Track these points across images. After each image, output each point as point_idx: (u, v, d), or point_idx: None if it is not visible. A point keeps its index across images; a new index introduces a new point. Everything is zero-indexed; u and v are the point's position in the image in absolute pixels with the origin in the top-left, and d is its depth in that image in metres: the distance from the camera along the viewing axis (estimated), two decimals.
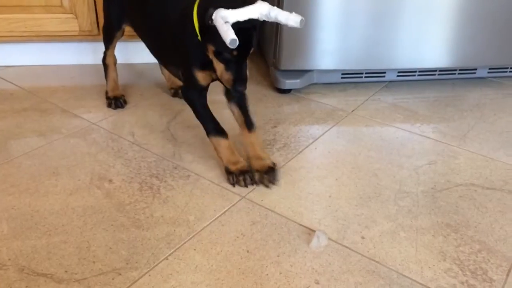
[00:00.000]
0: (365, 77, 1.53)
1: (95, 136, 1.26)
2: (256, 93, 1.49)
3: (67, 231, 0.95)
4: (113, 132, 1.28)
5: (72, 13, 1.49)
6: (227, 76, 0.99)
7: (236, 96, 1.12)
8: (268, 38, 1.55)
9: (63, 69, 1.60)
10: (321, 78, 1.52)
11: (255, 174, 1.09)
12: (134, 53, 1.65)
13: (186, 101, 1.14)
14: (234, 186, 1.08)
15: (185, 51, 1.07)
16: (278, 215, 1.00)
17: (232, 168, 1.09)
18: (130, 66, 1.65)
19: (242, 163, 1.10)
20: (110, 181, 1.10)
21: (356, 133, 1.31)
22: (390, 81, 1.57)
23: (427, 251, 0.91)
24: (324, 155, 1.21)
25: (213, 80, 1.09)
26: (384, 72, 1.53)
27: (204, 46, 1.00)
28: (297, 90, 1.51)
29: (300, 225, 0.97)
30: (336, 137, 1.29)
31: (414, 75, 1.54)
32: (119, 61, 1.45)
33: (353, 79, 1.53)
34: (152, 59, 1.31)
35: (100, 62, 1.43)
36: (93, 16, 1.50)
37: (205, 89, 1.11)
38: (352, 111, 1.42)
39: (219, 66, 0.99)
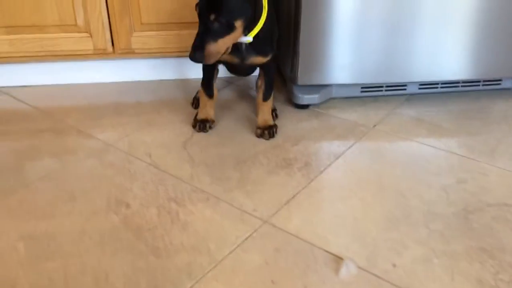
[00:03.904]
0: (386, 90, 1.48)
1: (111, 158, 1.24)
2: None
3: (85, 260, 0.92)
4: (130, 153, 1.25)
5: (86, 32, 1.47)
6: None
7: (266, 72, 1.28)
8: (284, 52, 1.51)
9: (78, 89, 1.59)
10: (340, 92, 1.48)
11: (257, 130, 1.30)
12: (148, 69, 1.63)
13: None
14: (194, 127, 1.33)
15: None
16: (303, 241, 0.96)
17: (198, 116, 1.33)
18: (139, 83, 1.63)
19: (206, 115, 1.32)
20: (128, 205, 1.06)
21: (379, 150, 1.26)
22: (411, 94, 1.52)
23: (463, 279, 0.86)
24: (347, 174, 1.17)
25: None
26: (405, 85, 1.48)
27: None
28: (316, 105, 1.47)
29: (327, 251, 0.93)
30: (358, 154, 1.24)
31: (437, 87, 1.49)
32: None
33: (373, 93, 1.49)
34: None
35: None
36: (107, 34, 1.48)
37: (218, 62, 1.21)
38: (374, 126, 1.37)
39: None
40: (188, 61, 1.58)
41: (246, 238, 0.97)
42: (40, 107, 1.48)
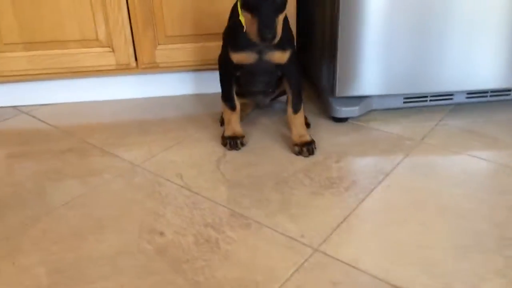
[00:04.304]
0: (430, 100, 1.38)
1: (140, 180, 1.14)
2: None
3: None
4: (159, 174, 1.16)
5: (108, 47, 1.39)
6: (253, 24, 1.01)
7: (290, 78, 1.21)
8: (319, 62, 1.42)
9: (99, 106, 1.51)
10: (380, 104, 1.38)
11: (295, 147, 1.21)
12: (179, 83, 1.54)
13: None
14: (224, 146, 1.25)
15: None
16: (362, 272, 0.85)
17: (226, 133, 1.26)
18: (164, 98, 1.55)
19: (234, 132, 1.25)
20: (161, 233, 0.97)
21: (432, 166, 1.15)
22: (457, 104, 1.42)
23: None
24: (400, 193, 1.06)
25: (240, 66, 1.17)
26: (452, 94, 1.37)
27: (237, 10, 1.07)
28: (354, 118, 1.37)
29: (392, 285, 0.82)
30: (410, 171, 1.13)
31: (486, 96, 1.38)
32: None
33: (417, 103, 1.38)
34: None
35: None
36: (130, 49, 1.40)
37: (235, 67, 1.18)
38: (421, 139, 1.26)
39: (246, 18, 1.04)
40: (212, 75, 1.51)
41: (297, 269, 0.86)
42: (61, 126, 1.40)
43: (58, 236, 0.96)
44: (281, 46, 1.13)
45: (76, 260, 0.90)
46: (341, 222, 0.98)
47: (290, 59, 1.17)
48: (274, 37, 1.02)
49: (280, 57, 1.16)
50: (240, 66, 1.18)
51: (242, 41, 1.11)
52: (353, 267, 0.86)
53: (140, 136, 1.33)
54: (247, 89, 1.29)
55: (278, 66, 1.18)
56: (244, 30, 1.07)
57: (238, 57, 1.16)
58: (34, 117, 1.45)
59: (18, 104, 1.50)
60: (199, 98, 1.55)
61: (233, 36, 1.15)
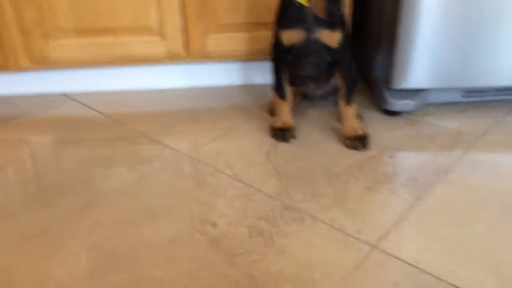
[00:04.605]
0: (492, 95, 1.30)
1: (189, 170, 1.13)
2: None
3: None
4: (208, 165, 1.14)
5: (160, 35, 1.38)
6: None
7: (342, 67, 1.17)
8: (371, 52, 1.37)
9: (149, 95, 1.50)
10: (437, 98, 1.32)
11: (347, 141, 1.17)
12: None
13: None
14: (273, 138, 1.22)
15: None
16: (425, 273, 0.81)
17: (276, 124, 1.23)
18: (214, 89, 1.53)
19: (284, 123, 1.22)
20: (214, 224, 0.95)
21: (494, 164, 1.09)
22: None
23: None
24: (462, 192, 1.01)
25: (293, 48, 1.13)
26: None
27: None
28: (409, 112, 1.31)
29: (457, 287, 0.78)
30: (471, 169, 1.08)
31: None
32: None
33: (476, 98, 1.32)
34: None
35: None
36: (181, 37, 1.39)
37: (288, 52, 1.15)
38: (482, 135, 1.20)
39: None
40: (261, 66, 1.49)
41: (356, 267, 0.83)
42: (111, 114, 1.40)
43: (110, 223, 0.96)
44: (331, 26, 1.10)
45: (129, 247, 0.90)
46: (400, 220, 0.94)
47: (342, 45, 1.13)
48: (340, 13, 1.02)
49: (330, 37, 1.12)
50: (290, 48, 1.15)
51: (291, 18, 1.10)
52: (415, 266, 0.82)
53: (189, 125, 1.32)
54: (297, 74, 1.25)
55: (329, 50, 1.14)
56: (308, 4, 1.06)
57: (287, 36, 1.13)
58: (84, 104, 1.46)
59: (68, 91, 1.52)
60: (247, 88, 1.52)
61: (282, 14, 1.13)
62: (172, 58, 1.41)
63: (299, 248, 0.88)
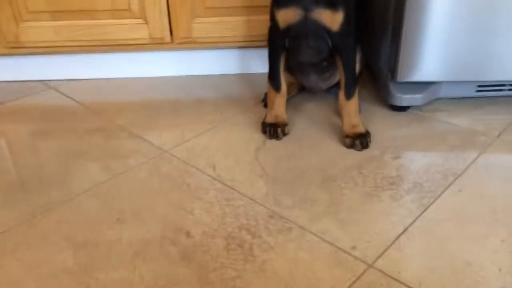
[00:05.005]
0: (509, 90, 1.17)
1: (168, 169, 1.01)
2: (363, 111, 1.16)
3: None
4: (189, 163, 1.02)
5: (141, 18, 1.26)
6: None
7: (343, 55, 1.05)
8: (375, 42, 1.23)
9: (130, 83, 1.38)
10: (448, 92, 1.18)
11: (346, 139, 1.05)
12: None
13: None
14: (264, 134, 1.10)
15: None
16: None
17: (267, 118, 1.11)
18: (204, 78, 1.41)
19: (276, 117, 1.10)
20: (188, 234, 0.83)
21: (511, 168, 0.96)
22: None
23: None
24: (474, 200, 0.88)
25: (290, 30, 1.02)
26: None
27: None
28: (417, 107, 1.18)
29: None
30: (485, 173, 0.95)
31: None
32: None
33: (492, 93, 1.18)
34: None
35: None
36: (165, 21, 1.26)
37: (285, 35, 1.04)
38: (498, 135, 1.07)
39: None
40: (255, 53, 1.36)
41: None
42: (89, 104, 1.28)
43: (73, 230, 0.85)
44: (332, 5, 0.98)
45: (89, 260, 0.78)
46: (402, 233, 0.81)
47: (343, 27, 1.00)
48: None
49: (330, 18, 0.99)
50: (286, 30, 1.03)
51: None
52: None
53: (172, 118, 1.20)
54: (296, 59, 1.12)
55: (330, 33, 1.01)
56: None
57: (282, 15, 1.02)
58: (61, 93, 1.35)
59: (46, 78, 1.41)
60: (239, 78, 1.40)
61: None
62: (155, 43, 1.29)
63: (282, 264, 0.76)
